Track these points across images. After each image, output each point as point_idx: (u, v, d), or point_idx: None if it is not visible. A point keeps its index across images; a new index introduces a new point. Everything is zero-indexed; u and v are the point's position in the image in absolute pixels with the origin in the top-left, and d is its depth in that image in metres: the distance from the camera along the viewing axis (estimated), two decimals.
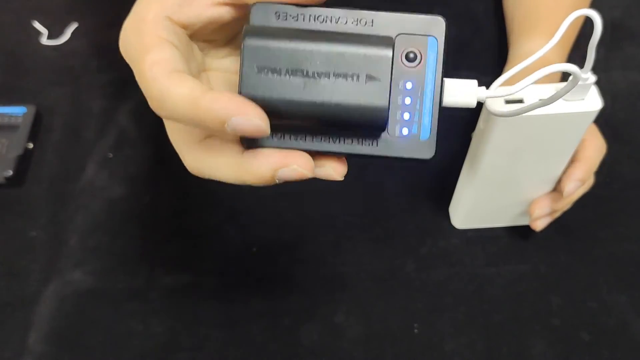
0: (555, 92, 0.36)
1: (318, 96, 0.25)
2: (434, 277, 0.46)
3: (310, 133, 0.26)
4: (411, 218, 0.49)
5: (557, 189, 0.43)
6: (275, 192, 0.50)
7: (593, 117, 0.37)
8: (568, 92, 0.29)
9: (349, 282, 0.46)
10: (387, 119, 0.26)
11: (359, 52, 0.25)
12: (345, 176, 0.52)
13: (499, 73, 0.35)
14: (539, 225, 0.44)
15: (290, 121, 0.25)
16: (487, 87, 0.30)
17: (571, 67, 0.28)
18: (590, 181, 0.43)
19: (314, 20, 0.26)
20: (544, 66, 0.46)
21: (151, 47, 0.25)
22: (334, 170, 0.27)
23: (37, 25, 0.61)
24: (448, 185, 0.48)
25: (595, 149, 0.42)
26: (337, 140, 0.26)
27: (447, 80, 0.27)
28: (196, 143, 0.28)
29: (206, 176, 0.28)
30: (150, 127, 0.54)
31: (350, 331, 0.43)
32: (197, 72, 0.29)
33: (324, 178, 0.27)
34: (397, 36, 0.26)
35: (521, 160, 0.40)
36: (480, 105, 0.37)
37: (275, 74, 0.25)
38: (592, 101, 0.36)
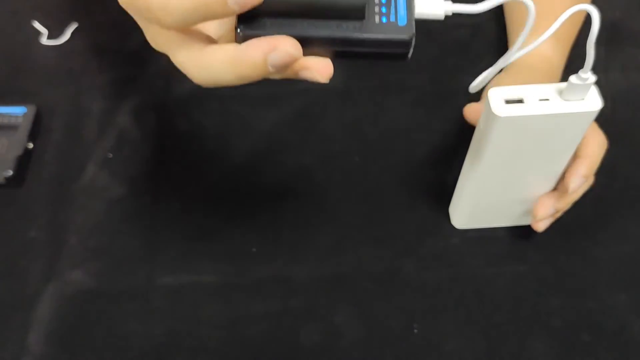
0: (555, 92, 0.37)
1: None
2: (433, 278, 0.46)
3: (298, 23, 0.28)
4: (411, 218, 0.49)
5: (558, 188, 0.44)
6: (275, 192, 0.50)
7: (593, 117, 0.37)
8: None
9: (348, 283, 0.46)
10: (366, 6, 0.28)
11: None
12: (346, 177, 0.52)
13: (499, 73, 0.35)
14: (541, 226, 0.45)
15: (280, 8, 0.27)
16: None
17: (589, 7, 0.29)
18: (591, 179, 0.44)
19: None
20: (543, 62, 0.46)
21: None
22: (319, 73, 0.29)
23: (37, 25, 0.61)
24: (448, 186, 0.48)
25: (598, 145, 0.42)
26: (323, 27, 0.28)
27: None
28: (190, 43, 0.29)
29: (206, 79, 0.29)
30: (151, 127, 0.54)
31: (350, 331, 0.44)
32: None
33: (309, 79, 0.29)
34: None
35: (521, 160, 0.40)
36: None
37: None
38: (592, 101, 0.36)
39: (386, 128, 0.54)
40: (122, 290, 0.45)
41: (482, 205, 0.45)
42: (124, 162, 0.52)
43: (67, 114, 0.55)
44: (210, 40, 0.30)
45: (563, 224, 0.48)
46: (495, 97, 0.36)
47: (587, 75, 0.34)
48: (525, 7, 0.30)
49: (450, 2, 0.30)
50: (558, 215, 0.45)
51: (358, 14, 0.28)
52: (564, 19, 0.32)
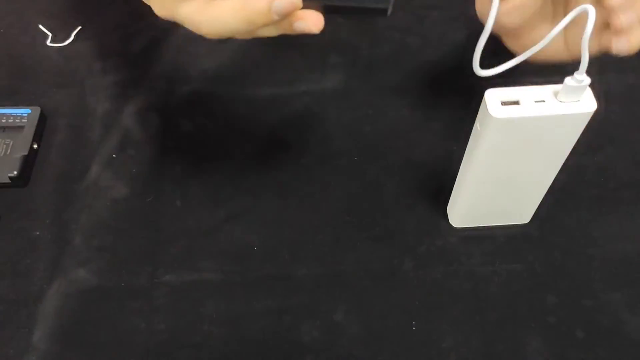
0: (551, 94, 0.37)
1: None
2: (431, 276, 0.46)
3: None
4: (409, 217, 0.49)
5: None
6: (275, 192, 0.51)
7: (587, 118, 0.37)
8: None
9: (348, 281, 0.46)
10: None
11: None
12: (346, 177, 0.53)
13: (495, 75, 0.36)
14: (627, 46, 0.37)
15: None
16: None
17: (589, 7, 0.30)
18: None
19: None
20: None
21: None
22: (313, 24, 0.31)
23: (41, 27, 0.62)
24: (446, 185, 0.48)
25: None
26: None
27: None
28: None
29: (214, 28, 0.31)
30: (154, 128, 0.55)
31: (350, 329, 0.44)
32: None
33: (303, 31, 0.31)
34: None
35: (517, 160, 0.41)
36: (477, 107, 0.38)
37: None
38: (587, 103, 0.37)
39: (385, 128, 0.55)
40: (125, 288, 0.46)
41: (479, 205, 0.46)
42: (127, 162, 0.53)
43: (72, 114, 0.56)
44: None
45: (558, 223, 0.49)
46: (491, 98, 0.37)
47: (582, 77, 0.35)
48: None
49: None
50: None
51: None
52: (570, 19, 0.32)
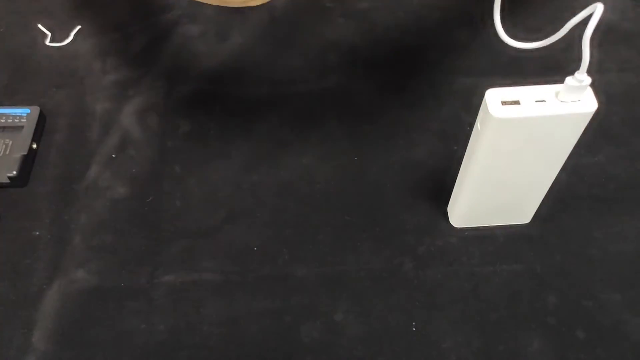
0: (551, 94, 0.37)
1: None
2: (431, 276, 0.46)
3: None
4: (410, 218, 0.49)
5: None
6: (275, 192, 0.51)
7: (588, 118, 0.37)
8: None
9: (348, 281, 0.46)
10: None
11: None
12: (346, 177, 0.53)
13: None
14: None
15: None
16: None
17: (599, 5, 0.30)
18: None
19: None
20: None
21: None
22: None
23: (41, 27, 0.62)
24: (446, 185, 0.48)
25: None
26: None
27: None
28: None
29: None
30: (153, 128, 0.55)
31: (350, 329, 0.44)
32: None
33: None
34: None
35: (518, 160, 0.41)
36: (478, 107, 0.38)
37: None
38: (588, 103, 0.37)
39: (385, 128, 0.55)
40: (124, 288, 0.46)
41: (479, 205, 0.46)
42: (127, 162, 0.52)
43: (71, 114, 0.56)
44: None
45: (558, 223, 0.49)
46: (492, 98, 0.37)
47: (582, 77, 0.35)
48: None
49: None
50: None
51: None
52: (580, 18, 0.32)
